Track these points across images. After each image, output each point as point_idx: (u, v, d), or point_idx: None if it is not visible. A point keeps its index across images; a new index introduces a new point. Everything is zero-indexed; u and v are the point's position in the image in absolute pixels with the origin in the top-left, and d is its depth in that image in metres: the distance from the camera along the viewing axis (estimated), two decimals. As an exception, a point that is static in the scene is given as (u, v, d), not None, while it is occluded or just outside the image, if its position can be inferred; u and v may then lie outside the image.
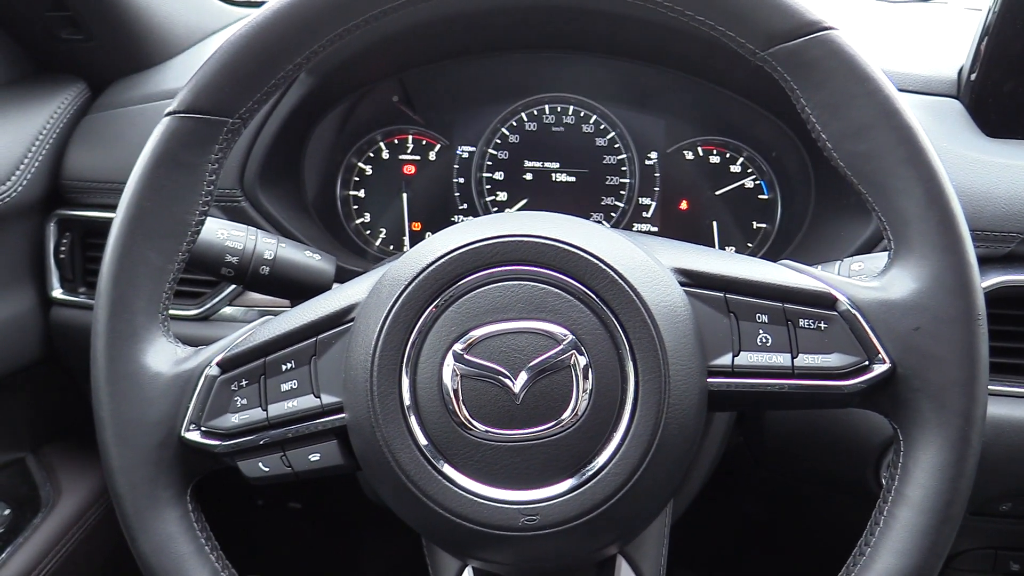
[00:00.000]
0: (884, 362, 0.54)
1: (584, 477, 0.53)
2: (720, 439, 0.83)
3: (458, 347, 0.54)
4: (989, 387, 0.78)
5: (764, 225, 0.97)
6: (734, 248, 0.98)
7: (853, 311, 0.55)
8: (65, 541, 0.95)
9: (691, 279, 0.58)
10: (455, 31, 0.92)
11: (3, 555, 0.88)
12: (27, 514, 0.94)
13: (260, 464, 0.59)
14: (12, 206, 0.86)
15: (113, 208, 0.89)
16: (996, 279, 0.77)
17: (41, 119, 0.90)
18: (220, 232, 0.75)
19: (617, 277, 0.54)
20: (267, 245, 0.77)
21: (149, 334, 0.60)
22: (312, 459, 0.59)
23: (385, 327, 0.55)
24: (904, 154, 0.54)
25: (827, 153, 0.57)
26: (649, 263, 0.57)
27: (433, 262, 0.55)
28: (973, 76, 0.84)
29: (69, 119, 0.93)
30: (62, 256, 0.94)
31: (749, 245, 0.98)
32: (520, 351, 0.54)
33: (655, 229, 0.99)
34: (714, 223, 0.98)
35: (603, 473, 0.53)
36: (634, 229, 0.99)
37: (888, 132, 0.55)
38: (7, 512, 0.93)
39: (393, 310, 0.55)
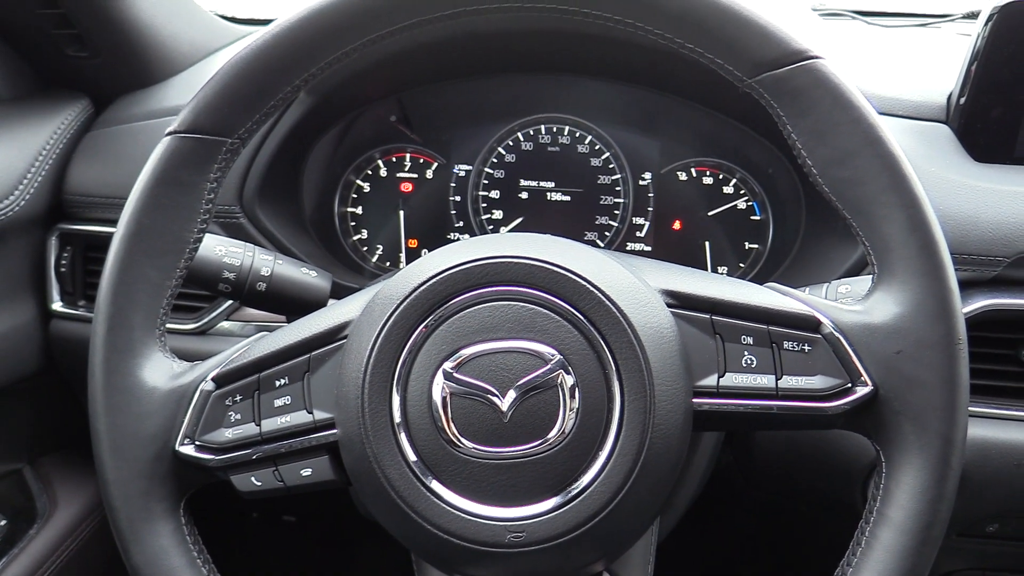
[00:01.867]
0: (867, 385, 0.55)
1: (570, 495, 0.54)
2: (708, 458, 0.84)
3: (448, 365, 0.55)
4: (974, 409, 0.80)
5: (756, 246, 0.99)
6: (726, 268, 0.99)
7: (837, 334, 0.56)
8: (60, 552, 0.95)
9: (678, 300, 0.59)
10: (453, 52, 0.93)
11: (-2, 565, 0.89)
12: (22, 525, 0.95)
13: (253, 478, 0.60)
14: (14, 220, 0.87)
15: (114, 223, 0.90)
16: (983, 302, 0.78)
17: (44, 134, 0.92)
18: (218, 248, 0.76)
19: (604, 298, 0.55)
20: (264, 262, 0.78)
21: (146, 349, 0.61)
22: (304, 474, 0.60)
23: (377, 345, 0.56)
24: (887, 181, 0.55)
25: (812, 179, 0.58)
26: (636, 284, 0.58)
27: (424, 282, 0.57)
28: (962, 101, 0.86)
29: (72, 135, 0.94)
30: (63, 269, 0.95)
31: (741, 265, 0.99)
32: (508, 370, 0.55)
33: (648, 249, 1.00)
34: (707, 243, 0.99)
35: (588, 491, 0.54)
36: (627, 248, 1.00)
37: (872, 159, 0.56)
38: (3, 523, 0.94)
39: (385, 328, 0.56)
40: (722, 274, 0.99)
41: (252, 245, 0.79)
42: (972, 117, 0.86)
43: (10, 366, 0.92)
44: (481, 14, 0.61)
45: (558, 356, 0.55)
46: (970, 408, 0.79)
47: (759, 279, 0.97)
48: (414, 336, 0.56)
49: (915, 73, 0.93)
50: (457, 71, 0.97)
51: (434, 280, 0.57)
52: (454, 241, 1.02)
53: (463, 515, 0.55)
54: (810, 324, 0.56)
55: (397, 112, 0.99)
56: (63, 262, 0.95)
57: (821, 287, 0.74)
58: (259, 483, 0.60)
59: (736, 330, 0.58)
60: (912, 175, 0.55)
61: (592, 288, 0.55)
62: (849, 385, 0.55)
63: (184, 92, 1.00)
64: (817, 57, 0.57)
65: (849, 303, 0.58)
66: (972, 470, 0.79)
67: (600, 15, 0.59)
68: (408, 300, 0.57)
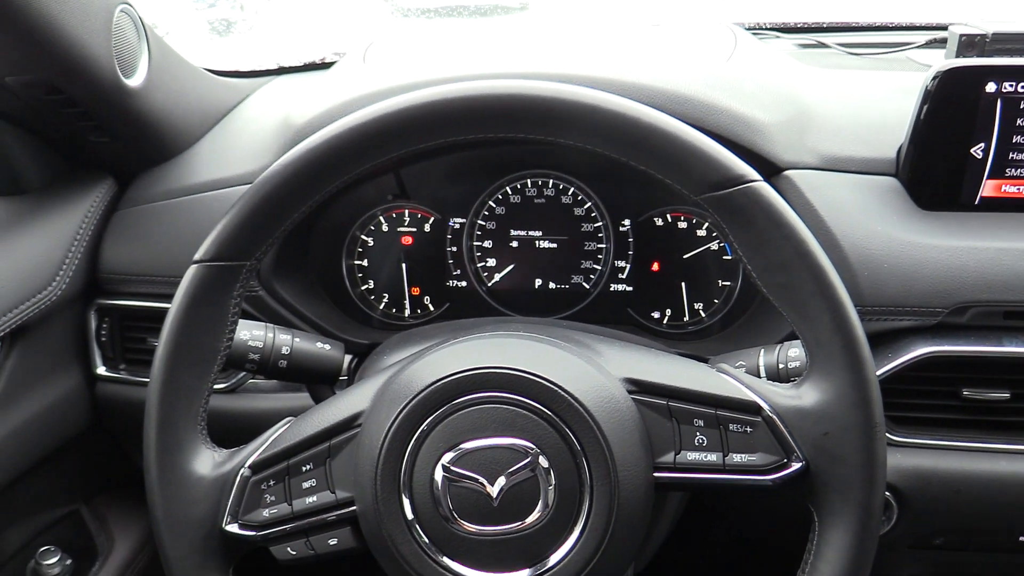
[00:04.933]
0: (800, 460, 0.65)
1: (552, 563, 0.65)
2: (679, 498, 0.95)
3: (446, 460, 0.66)
4: (919, 440, 0.90)
5: (728, 283, 1.07)
6: (702, 304, 1.08)
7: (774, 416, 0.66)
8: (121, 587, 1.09)
9: (638, 387, 0.69)
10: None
11: (70, 603, 1.02)
12: (85, 563, 1.08)
13: (288, 548, 0.72)
14: (57, 303, 0.97)
15: (146, 296, 1.01)
16: (925, 349, 0.87)
17: (76, 220, 1.01)
18: (243, 333, 0.87)
19: (572, 400, 0.66)
20: (283, 341, 0.88)
21: (191, 444, 0.72)
22: (331, 543, 0.71)
23: (385, 445, 0.67)
24: (815, 288, 0.65)
25: (753, 280, 0.68)
26: (600, 381, 0.68)
27: (424, 389, 0.67)
28: (910, 156, 0.93)
29: (101, 216, 1.04)
30: (103, 338, 1.06)
31: (715, 301, 1.08)
32: (496, 462, 0.66)
33: (630, 289, 1.09)
34: (683, 284, 1.08)
35: (567, 559, 0.65)
36: (611, 289, 1.10)
37: (802, 270, 0.65)
38: (69, 562, 1.06)
39: (391, 430, 0.67)
40: (698, 309, 1.09)
41: (272, 325, 0.89)
42: (918, 171, 0.93)
43: (63, 427, 1.04)
44: (461, 145, 0.70)
45: (536, 449, 0.65)
46: (914, 440, 0.90)
47: (733, 313, 1.07)
48: (416, 435, 0.67)
49: (868, 122, 1.00)
50: (449, 148, 1.05)
51: (431, 388, 0.67)
52: (452, 288, 1.12)
53: None
54: (751, 408, 0.67)
55: (394, 190, 1.07)
56: (103, 332, 1.05)
57: (773, 349, 0.83)
58: (294, 552, 0.72)
59: (689, 414, 0.68)
60: (837, 283, 0.65)
61: (561, 392, 0.66)
62: (785, 461, 0.66)
63: (200, 164, 1.09)
64: (755, 180, 0.65)
65: (784, 388, 0.68)
66: (915, 496, 0.89)
67: (567, 143, 0.69)
68: (411, 404, 0.67)
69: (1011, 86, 0.89)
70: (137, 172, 1.09)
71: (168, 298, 0.73)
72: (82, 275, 1.02)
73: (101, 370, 1.07)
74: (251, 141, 1.08)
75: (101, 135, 1.02)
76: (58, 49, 0.86)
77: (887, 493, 0.90)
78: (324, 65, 1.32)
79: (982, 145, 0.92)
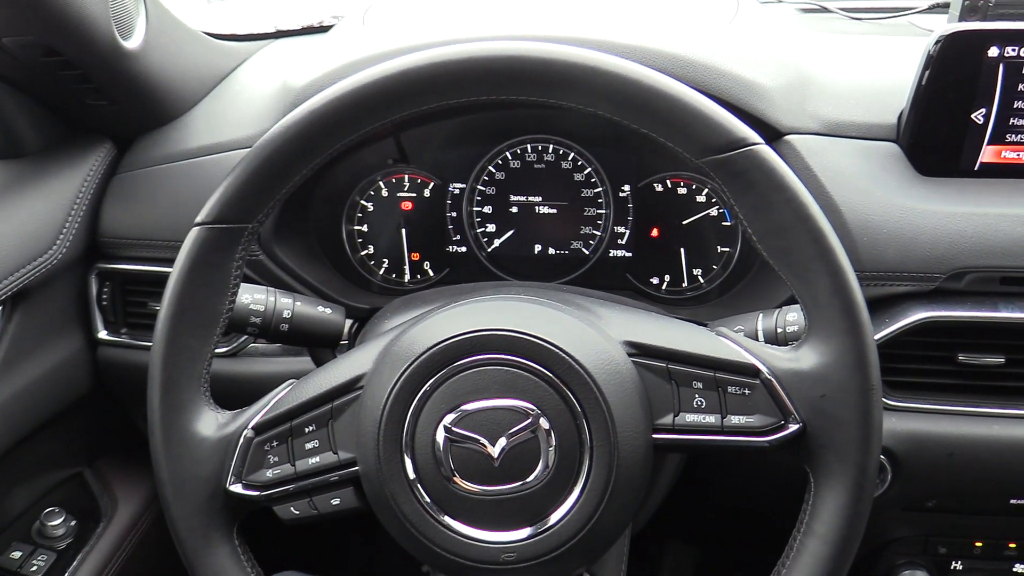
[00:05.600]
0: (797, 422, 0.66)
1: (551, 522, 0.67)
2: (677, 461, 0.96)
3: (447, 421, 0.67)
4: (914, 405, 0.91)
5: (727, 249, 1.08)
6: (700, 270, 1.09)
7: (772, 379, 0.67)
8: (125, 546, 1.09)
9: (638, 350, 0.70)
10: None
11: (75, 563, 1.04)
12: (90, 524, 1.09)
13: (291, 508, 0.73)
14: (58, 266, 0.98)
15: (146, 260, 1.01)
16: (922, 314, 0.88)
17: (76, 183, 1.01)
18: (244, 296, 0.87)
19: (572, 361, 0.66)
20: (285, 305, 0.89)
21: (195, 406, 0.73)
22: (334, 503, 0.72)
23: (387, 407, 0.68)
24: (815, 251, 0.65)
25: (753, 244, 0.68)
26: (600, 343, 0.68)
27: (425, 351, 0.68)
28: (911, 122, 0.93)
29: (100, 179, 1.03)
30: (104, 303, 1.06)
31: (714, 267, 1.08)
32: (497, 423, 0.66)
33: (629, 255, 1.10)
34: (682, 249, 1.08)
35: (566, 518, 0.67)
36: (610, 255, 1.10)
37: (802, 233, 0.65)
38: (73, 523, 1.08)
39: (393, 392, 0.68)
40: (697, 275, 1.09)
41: (273, 289, 0.89)
42: (919, 137, 0.93)
43: (65, 391, 1.04)
44: (461, 109, 0.70)
45: (537, 411, 0.66)
46: (910, 404, 0.91)
47: (732, 279, 1.08)
48: (418, 397, 0.68)
49: (869, 88, 0.99)
50: (450, 112, 1.04)
51: (433, 350, 0.68)
52: (452, 254, 1.12)
53: (466, 540, 0.67)
54: (750, 371, 0.67)
55: (394, 154, 1.07)
56: (104, 296, 1.06)
57: (772, 313, 0.84)
58: (297, 512, 0.73)
59: (688, 376, 0.69)
60: (837, 246, 0.65)
61: (562, 353, 0.66)
62: (782, 422, 0.66)
63: (197, 129, 1.08)
64: (756, 144, 0.65)
65: (783, 351, 0.68)
66: (910, 459, 0.91)
67: (568, 105, 0.68)
68: (413, 366, 0.68)
69: (1013, 51, 0.89)
70: (136, 136, 1.09)
71: (168, 262, 0.73)
72: (82, 239, 1.02)
73: (103, 334, 1.07)
74: (250, 105, 1.08)
75: (99, 98, 1.02)
76: (55, 9, 0.85)
77: (882, 456, 0.91)
78: (322, 28, 1.30)
79: (983, 110, 0.92)
